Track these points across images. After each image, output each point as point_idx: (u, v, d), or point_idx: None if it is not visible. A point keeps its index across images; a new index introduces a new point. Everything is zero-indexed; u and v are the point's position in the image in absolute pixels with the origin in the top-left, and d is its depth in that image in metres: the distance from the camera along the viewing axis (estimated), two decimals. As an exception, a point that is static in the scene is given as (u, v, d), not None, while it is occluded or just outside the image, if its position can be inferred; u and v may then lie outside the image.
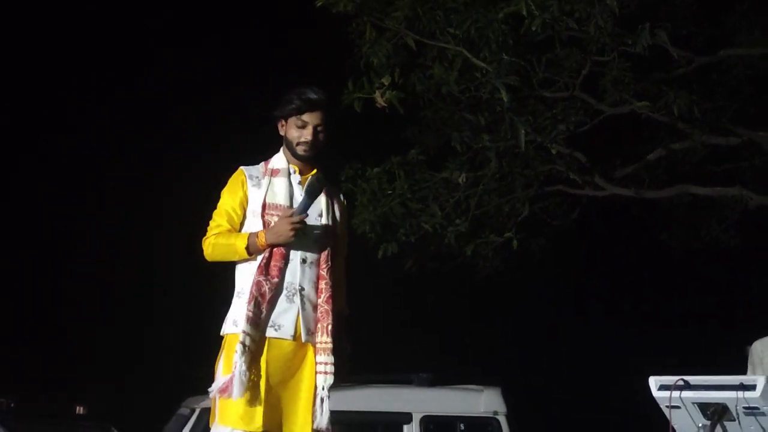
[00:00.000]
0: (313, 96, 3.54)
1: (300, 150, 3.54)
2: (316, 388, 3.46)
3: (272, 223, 3.45)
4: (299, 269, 3.49)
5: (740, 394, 3.42)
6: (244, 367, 3.32)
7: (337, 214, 3.65)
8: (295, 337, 3.45)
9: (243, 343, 3.34)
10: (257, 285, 3.41)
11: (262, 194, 3.52)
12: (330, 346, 3.47)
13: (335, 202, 3.66)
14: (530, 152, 8.30)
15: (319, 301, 3.50)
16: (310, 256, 3.51)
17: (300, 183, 3.57)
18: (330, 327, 3.48)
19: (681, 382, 3.52)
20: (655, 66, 8.17)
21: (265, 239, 3.42)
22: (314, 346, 3.49)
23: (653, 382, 3.62)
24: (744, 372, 4.28)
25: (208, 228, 3.56)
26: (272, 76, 11.45)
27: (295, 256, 3.49)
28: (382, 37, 7.61)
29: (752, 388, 3.48)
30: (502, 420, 6.68)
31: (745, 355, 4.46)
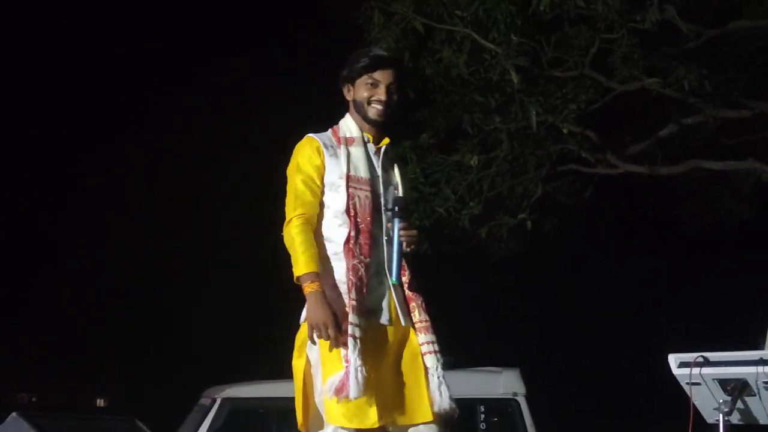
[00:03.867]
0: (383, 53, 3.32)
1: (372, 112, 3.22)
2: (427, 370, 3.18)
3: (357, 196, 3.16)
4: (384, 248, 3.19)
5: (760, 369, 3.43)
6: (359, 362, 3.01)
7: (407, 189, 3.37)
8: (392, 321, 3.19)
9: (353, 336, 3.03)
10: (353, 270, 3.10)
11: (342, 165, 3.18)
12: (429, 323, 3.22)
13: (405, 176, 3.38)
14: (541, 132, 8.28)
15: (404, 279, 3.22)
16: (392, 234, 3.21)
17: (375, 154, 3.27)
18: (424, 304, 3.23)
19: (701, 359, 3.52)
20: (664, 41, 8.12)
21: (306, 295, 3.07)
22: (413, 326, 3.22)
23: (673, 359, 3.63)
24: (763, 347, 4.27)
25: (288, 209, 3.20)
26: (282, 64, 11.45)
27: (379, 234, 3.19)
28: (390, 22, 7.61)
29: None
30: (522, 401, 6.69)
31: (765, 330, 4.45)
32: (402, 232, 3.16)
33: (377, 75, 3.21)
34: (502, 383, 6.82)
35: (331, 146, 3.22)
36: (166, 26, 11.05)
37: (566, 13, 7.44)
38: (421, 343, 3.20)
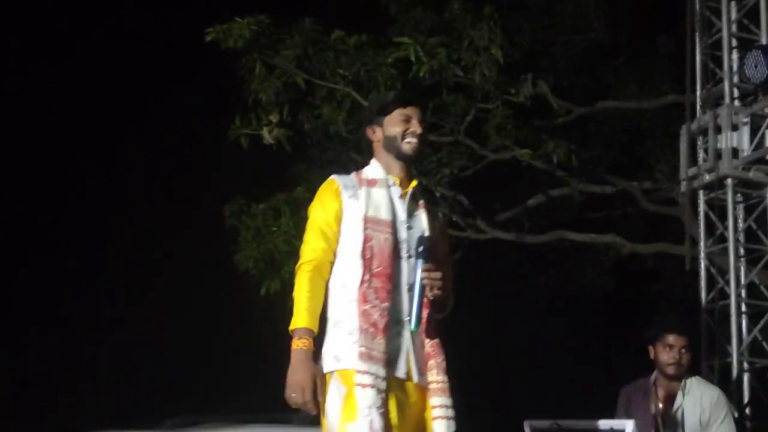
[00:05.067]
0: (412, 89, 3.33)
1: (407, 146, 3.05)
2: None
3: (375, 239, 2.95)
4: (406, 297, 2.95)
5: (610, 437, 3.53)
6: (376, 417, 2.78)
7: (437, 233, 3.10)
8: (408, 376, 2.94)
9: (361, 384, 2.80)
10: (364, 315, 2.87)
11: (361, 206, 2.99)
12: (446, 385, 2.95)
13: (436, 219, 3.14)
14: (415, 195, 8.38)
15: (429, 334, 2.99)
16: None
17: (401, 197, 3.07)
18: (444, 364, 2.97)
19: (555, 426, 3.60)
20: (536, 114, 8.44)
21: (292, 352, 2.88)
22: (427, 387, 2.96)
23: (528, 426, 3.71)
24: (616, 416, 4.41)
25: (303, 251, 3.03)
26: (159, 108, 11.26)
27: (400, 281, 2.96)
28: (272, 75, 7.62)
29: (621, 432, 3.60)
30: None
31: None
32: (424, 274, 2.91)
33: (409, 110, 3.09)
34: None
35: (352, 188, 3.05)
36: (166, 26, 10.70)
37: (445, 81, 7.63)
38: (434, 406, 2.95)
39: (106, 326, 11.18)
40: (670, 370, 4.46)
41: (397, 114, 3.08)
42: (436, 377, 2.95)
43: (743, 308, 6.39)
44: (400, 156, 3.06)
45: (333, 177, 3.13)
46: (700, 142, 6.65)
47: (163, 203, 10.96)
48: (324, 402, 2.88)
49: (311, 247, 3.00)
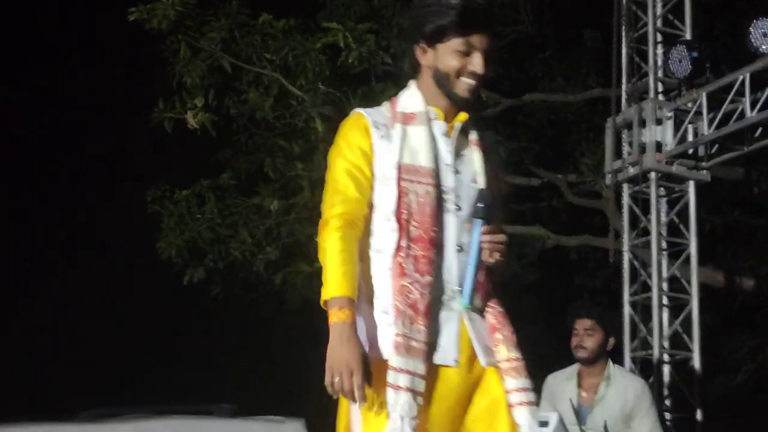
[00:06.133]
0: (480, 4, 2.37)
1: (463, 88, 2.38)
2: (518, 429, 2.33)
3: (413, 192, 2.33)
4: (456, 261, 2.35)
5: (535, 430, 3.50)
6: (407, 425, 2.21)
7: (493, 179, 2.49)
8: (463, 360, 2.34)
9: (396, 386, 2.22)
10: (401, 292, 2.28)
11: (395, 150, 2.36)
12: (522, 363, 2.38)
13: (491, 160, 2.52)
14: (343, 183, 8.32)
15: (483, 302, 2.40)
16: (468, 241, 2.36)
17: (446, 134, 2.43)
18: (513, 337, 2.40)
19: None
20: (465, 106, 8.43)
21: (330, 326, 2.26)
22: (497, 367, 2.37)
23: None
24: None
25: (325, 206, 2.39)
26: (79, 88, 10.94)
27: (449, 241, 2.36)
28: (197, 57, 7.46)
29: (545, 424, 3.58)
30: (305, 453, 6.57)
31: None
32: (484, 237, 2.35)
33: (474, 39, 2.35)
34: (285, 434, 6.68)
35: (384, 125, 2.41)
36: (88, 4, 10.32)
37: (374, 69, 7.56)
38: (509, 390, 2.34)
39: (18, 313, 10.86)
40: (576, 353, 4.48)
41: (456, 43, 2.35)
42: (507, 354, 2.37)
43: (665, 301, 6.48)
44: (452, 97, 2.40)
45: (359, 111, 2.45)
46: (624, 135, 6.71)
47: (82, 186, 10.68)
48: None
49: (341, 196, 2.35)
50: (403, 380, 2.22)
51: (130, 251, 9.95)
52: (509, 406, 2.33)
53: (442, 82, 2.39)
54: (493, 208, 2.38)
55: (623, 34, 6.74)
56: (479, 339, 2.36)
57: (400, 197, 2.32)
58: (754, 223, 9.39)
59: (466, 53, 2.36)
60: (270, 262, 8.41)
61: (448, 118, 2.43)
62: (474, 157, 2.46)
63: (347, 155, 2.38)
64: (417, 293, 2.27)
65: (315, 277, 9.22)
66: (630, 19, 6.73)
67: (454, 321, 2.34)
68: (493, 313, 2.41)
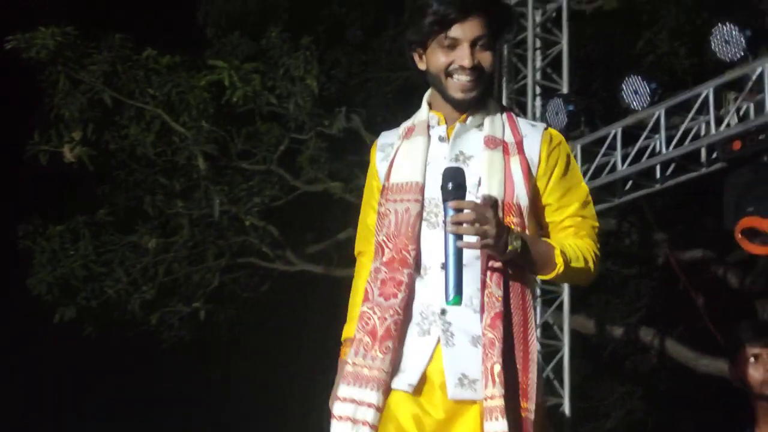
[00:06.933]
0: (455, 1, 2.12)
1: (454, 86, 2.14)
2: None
3: (393, 212, 2.14)
4: (439, 279, 2.05)
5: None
6: None
7: (522, 164, 2.15)
8: (421, 390, 2.09)
9: (339, 417, 2.10)
10: (361, 319, 2.11)
11: (383, 172, 2.23)
12: (499, 403, 2.00)
13: (517, 143, 2.17)
14: (224, 222, 8.24)
15: (482, 325, 2.05)
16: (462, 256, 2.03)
17: (443, 138, 2.19)
18: (497, 368, 2.01)
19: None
20: (349, 149, 8.50)
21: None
22: (481, 404, 2.03)
23: None
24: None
25: (357, 241, 2.34)
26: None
27: (431, 259, 2.11)
28: (77, 90, 7.29)
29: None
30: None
31: None
32: (449, 218, 1.98)
33: (455, 32, 2.11)
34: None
35: (390, 145, 2.25)
36: None
37: (259, 108, 7.55)
38: None
39: None
40: None
41: (439, 39, 2.14)
42: (491, 390, 2.01)
43: (538, 348, 6.62)
44: (448, 98, 2.18)
45: (381, 135, 2.32)
46: (504, 184, 6.85)
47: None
48: None
49: (360, 234, 2.29)
50: (344, 410, 2.09)
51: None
52: None
53: (437, 84, 2.20)
54: (464, 188, 2.02)
55: (504, 84, 6.94)
56: (454, 367, 2.07)
57: (378, 220, 2.19)
58: (625, 273, 9.72)
59: (452, 47, 2.14)
60: (146, 302, 8.23)
61: (450, 120, 2.21)
62: (482, 159, 2.15)
63: (366, 189, 2.32)
64: (376, 318, 2.10)
65: (191, 317, 9.10)
66: (511, 71, 6.94)
67: (428, 346, 2.09)
68: (484, 341, 2.04)
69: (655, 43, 8.53)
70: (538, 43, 6.86)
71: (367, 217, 2.27)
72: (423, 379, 2.09)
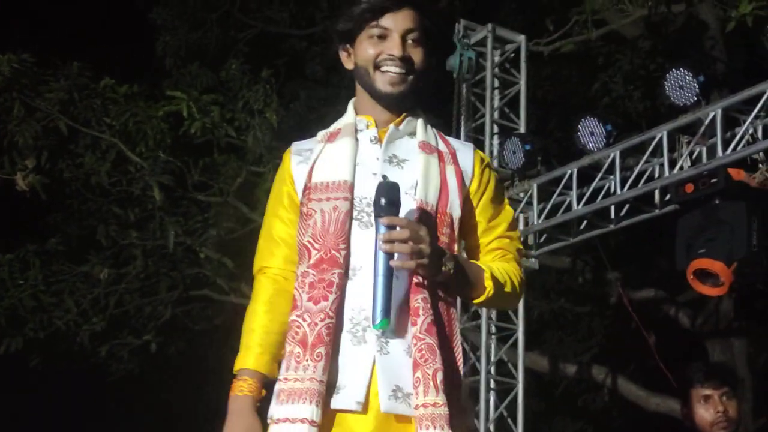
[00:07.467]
0: None
1: (383, 79, 2.06)
2: None
3: (318, 211, 2.02)
4: (370, 281, 1.94)
5: None
6: None
7: (457, 174, 2.09)
8: (368, 404, 1.94)
9: None
10: (290, 329, 1.97)
11: (304, 172, 2.09)
12: (443, 411, 1.89)
13: (451, 153, 2.12)
14: (178, 254, 8.16)
15: (415, 332, 1.94)
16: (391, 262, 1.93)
17: (375, 140, 2.09)
18: (439, 375, 1.91)
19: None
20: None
21: (229, 398, 2.04)
22: (415, 415, 1.92)
23: None
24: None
25: (257, 257, 2.15)
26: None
27: (362, 261, 1.99)
28: (32, 117, 7.20)
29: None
30: None
31: None
32: (382, 236, 1.89)
33: (386, 21, 2.05)
34: None
35: (309, 149, 2.13)
36: None
37: (217, 140, 7.52)
38: None
39: None
40: None
41: (366, 33, 2.07)
42: (425, 398, 1.90)
43: (492, 384, 6.62)
44: (375, 94, 2.08)
45: (292, 144, 2.21)
46: (460, 221, 6.88)
47: None
48: None
49: (266, 248, 2.12)
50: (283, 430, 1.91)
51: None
52: None
53: (364, 79, 2.09)
54: (398, 205, 1.92)
55: (462, 123, 7.00)
56: (388, 379, 1.93)
57: (302, 221, 2.05)
58: (579, 311, 9.80)
59: (382, 37, 2.06)
60: (95, 333, 8.09)
61: (381, 123, 2.12)
62: (417, 161, 2.06)
63: (272, 201, 2.16)
64: (305, 325, 1.94)
65: (142, 351, 8.97)
66: (469, 110, 7.00)
67: (366, 356, 1.95)
68: (418, 348, 1.93)
69: (610, 86, 8.68)
70: (497, 83, 6.94)
71: (272, 228, 2.12)
72: (372, 395, 1.94)
